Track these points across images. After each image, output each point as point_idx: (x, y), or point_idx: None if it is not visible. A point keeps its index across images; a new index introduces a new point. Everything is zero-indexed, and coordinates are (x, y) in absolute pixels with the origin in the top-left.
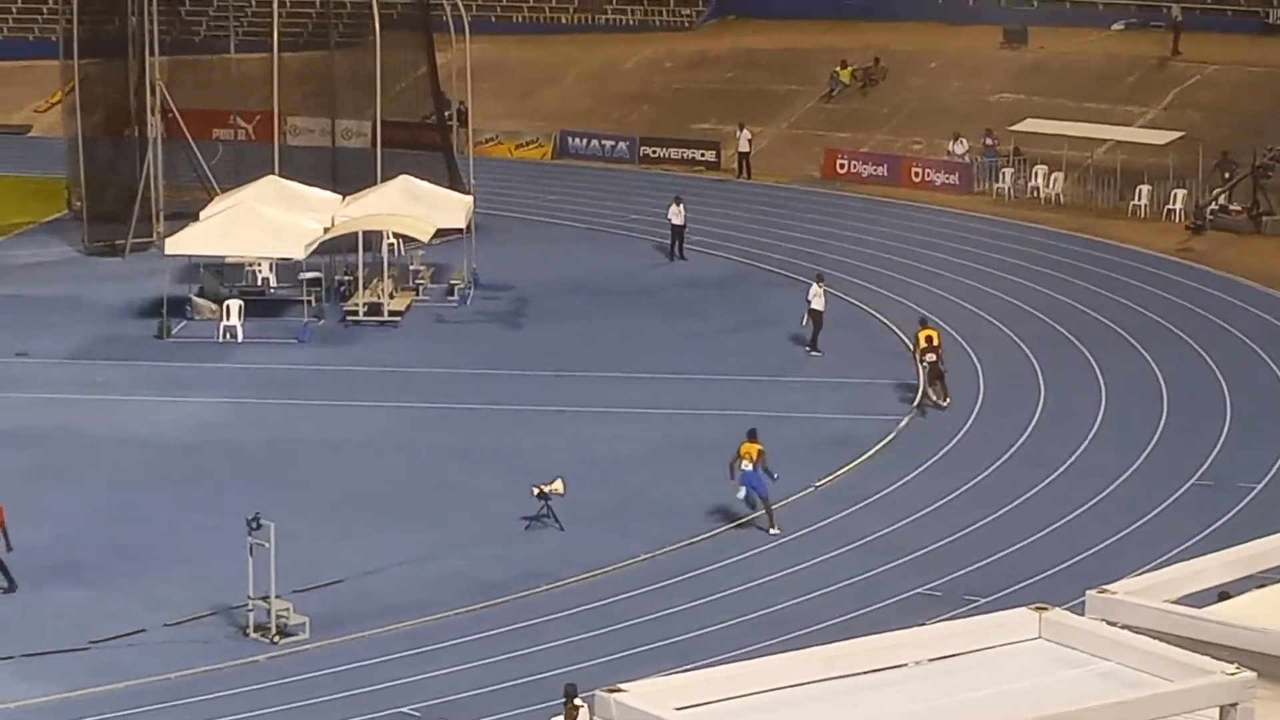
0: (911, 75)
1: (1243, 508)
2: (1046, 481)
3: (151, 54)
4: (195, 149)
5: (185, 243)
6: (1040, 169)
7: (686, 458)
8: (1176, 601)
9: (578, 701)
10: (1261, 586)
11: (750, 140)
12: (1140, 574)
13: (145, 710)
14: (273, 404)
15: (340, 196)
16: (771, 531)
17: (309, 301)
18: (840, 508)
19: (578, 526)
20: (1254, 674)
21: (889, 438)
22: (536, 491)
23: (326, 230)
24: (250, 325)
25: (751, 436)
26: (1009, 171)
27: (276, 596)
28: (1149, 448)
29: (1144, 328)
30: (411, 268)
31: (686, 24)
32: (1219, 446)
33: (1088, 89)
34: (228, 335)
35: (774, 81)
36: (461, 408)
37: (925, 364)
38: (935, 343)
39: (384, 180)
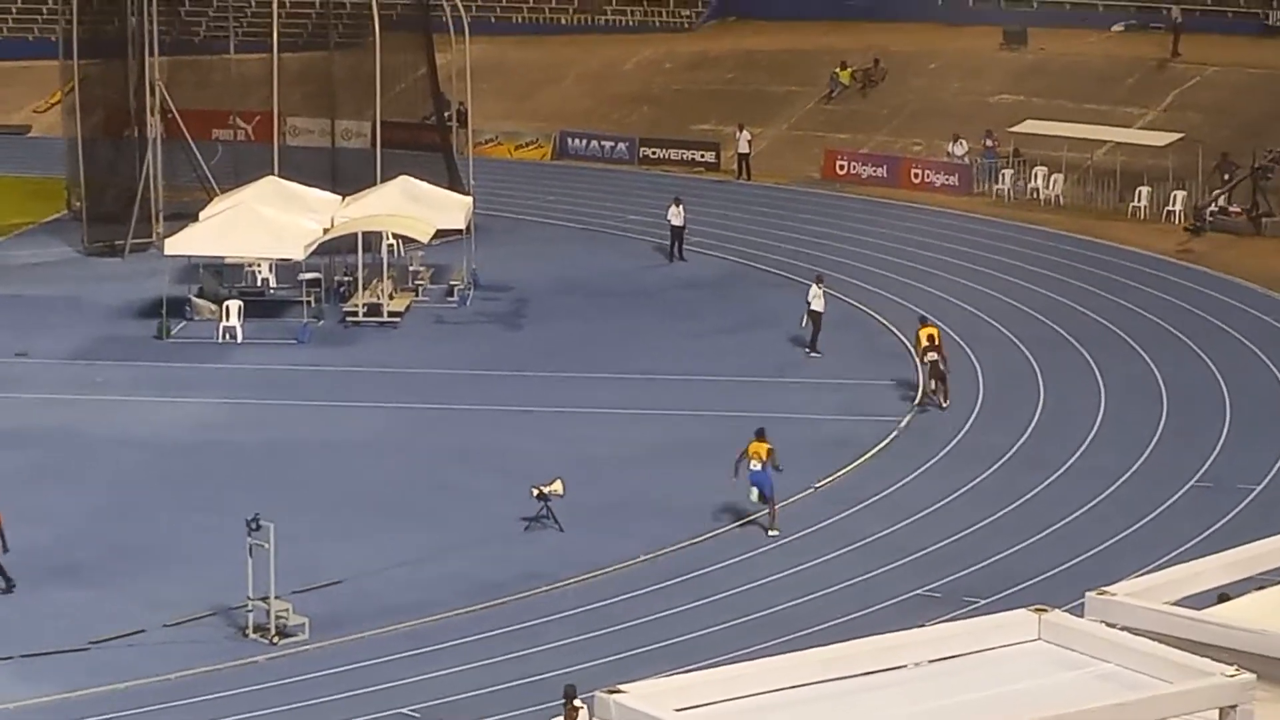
0: (911, 76)
1: (1242, 509)
2: (1046, 483)
3: (151, 54)
4: (195, 149)
5: (185, 243)
6: (1040, 170)
7: (686, 459)
8: (1176, 603)
9: (577, 703)
10: (1261, 588)
11: (750, 141)
12: (1140, 576)
13: (145, 711)
14: (272, 404)
15: (340, 197)
16: (771, 532)
17: (308, 302)
18: (840, 509)
19: (577, 527)
20: (1253, 676)
21: (888, 439)
22: (536, 492)
23: (326, 231)
24: (250, 326)
25: (760, 435)
26: (1009, 173)
27: (276, 597)
28: (1148, 449)
29: (1144, 329)
30: (411, 268)
31: (686, 25)
32: (1218, 448)
33: (1087, 90)
34: (227, 336)
35: (774, 82)
36: (461, 408)
37: (927, 363)
38: (936, 341)
39: (383, 181)
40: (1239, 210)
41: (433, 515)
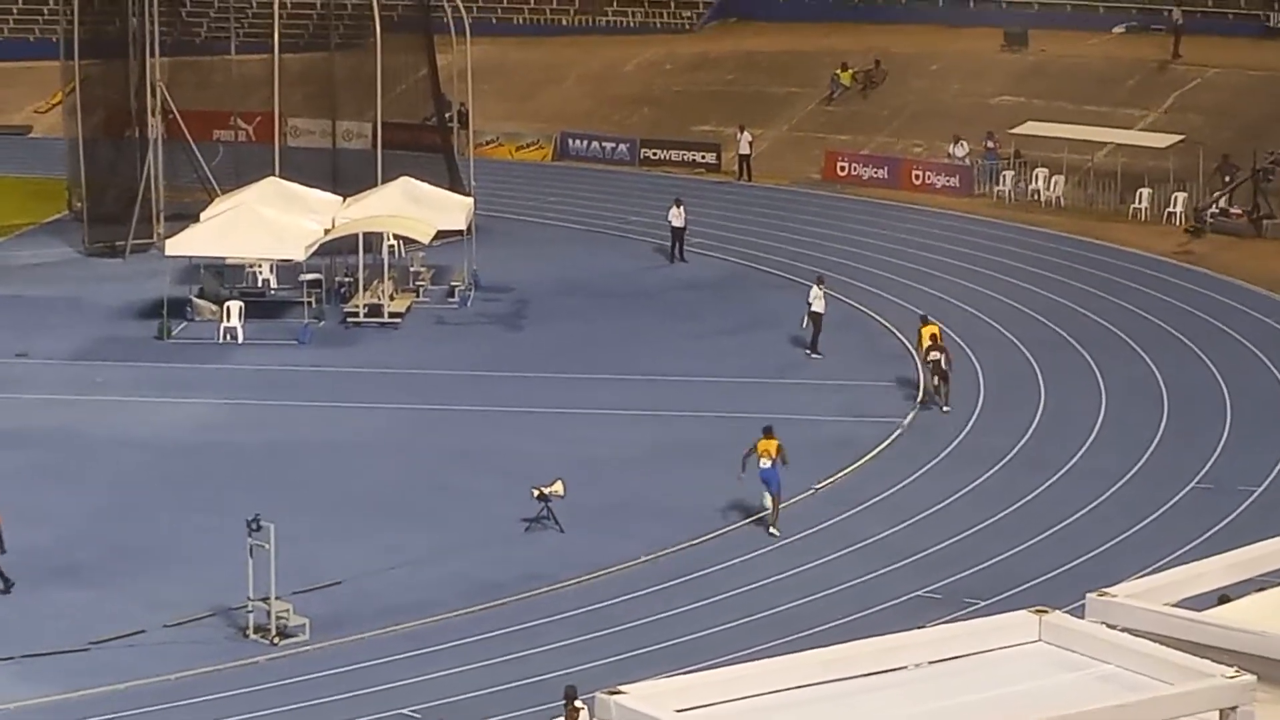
0: (912, 78)
1: (1243, 511)
2: (1047, 484)
3: (152, 55)
4: (196, 150)
5: (185, 244)
6: (1041, 172)
7: (686, 460)
8: (1177, 605)
9: (578, 704)
10: (1262, 590)
11: (751, 142)
12: (1140, 577)
13: (145, 711)
14: (273, 405)
15: (341, 198)
16: (772, 530)
17: (309, 303)
18: (840, 510)
19: (577, 528)
20: (1254, 677)
21: (889, 440)
22: (536, 493)
23: (327, 232)
24: (250, 326)
25: (768, 433)
26: (1009, 174)
27: (276, 598)
28: (1149, 451)
29: (1144, 331)
30: (412, 269)
31: (687, 26)
32: (1219, 449)
33: (1088, 92)
34: (228, 336)
35: (774, 84)
36: (462, 409)
37: (930, 361)
38: (939, 340)
39: (384, 182)
40: (1240, 212)
41: (433, 516)
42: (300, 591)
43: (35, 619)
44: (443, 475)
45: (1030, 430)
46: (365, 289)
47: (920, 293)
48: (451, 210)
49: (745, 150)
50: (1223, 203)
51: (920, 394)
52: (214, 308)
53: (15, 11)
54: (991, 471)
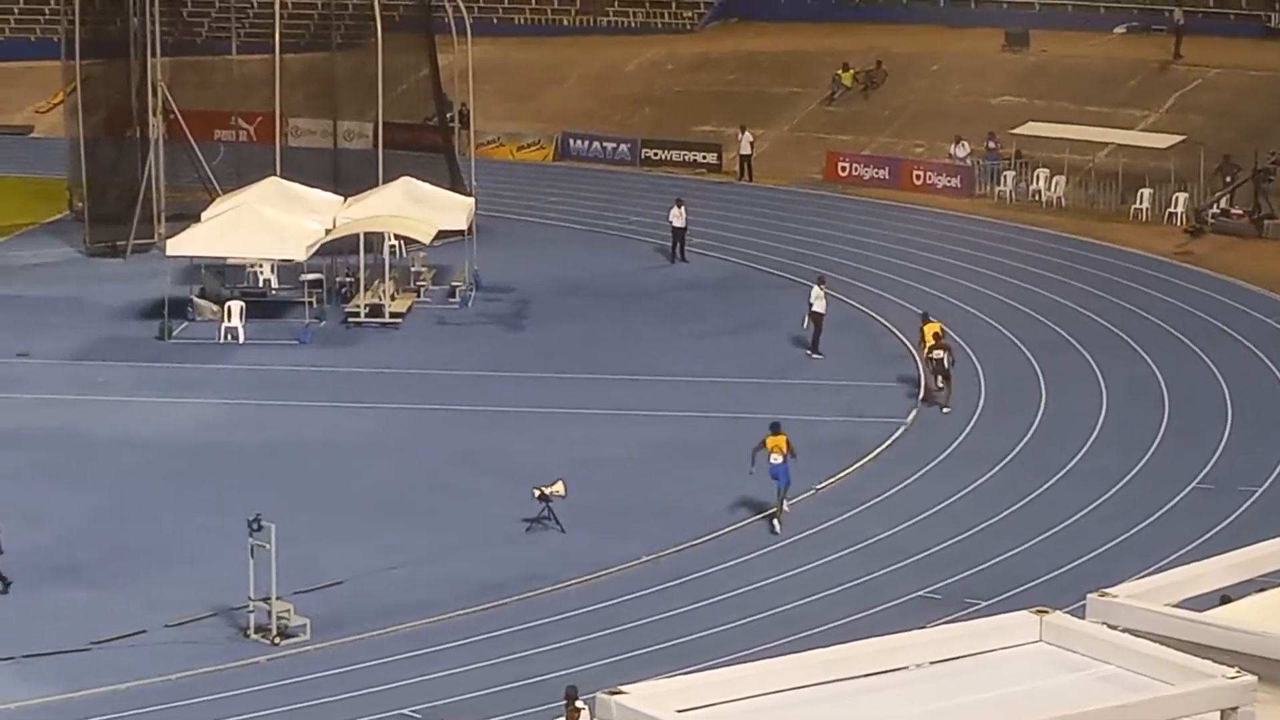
0: (913, 78)
1: (1244, 511)
2: (1048, 485)
3: (153, 55)
4: (197, 150)
5: (187, 244)
6: (1042, 172)
7: (687, 460)
8: (1177, 605)
9: (579, 704)
10: (1262, 590)
11: (752, 143)
12: (1141, 577)
13: (147, 711)
14: (274, 405)
15: (342, 198)
16: (775, 521)
17: (310, 303)
18: (841, 510)
19: (578, 528)
20: (1255, 678)
21: (890, 440)
22: (537, 493)
23: (328, 232)
24: (251, 326)
25: (776, 429)
26: (1010, 174)
27: (277, 598)
28: (1150, 451)
29: (1145, 331)
30: (413, 269)
31: (688, 26)
32: (1220, 450)
33: (1089, 92)
34: (229, 336)
35: (776, 84)
36: (462, 409)
37: (934, 359)
38: (941, 339)
39: (385, 182)
40: (1241, 212)
41: (434, 516)
42: (301, 592)
43: (36, 619)
44: (444, 475)
45: (1031, 431)
46: (366, 289)
47: (921, 293)
48: (452, 210)
49: (746, 150)
50: (1224, 203)
51: (921, 392)
52: (215, 308)
53: (16, 12)
54: (992, 472)
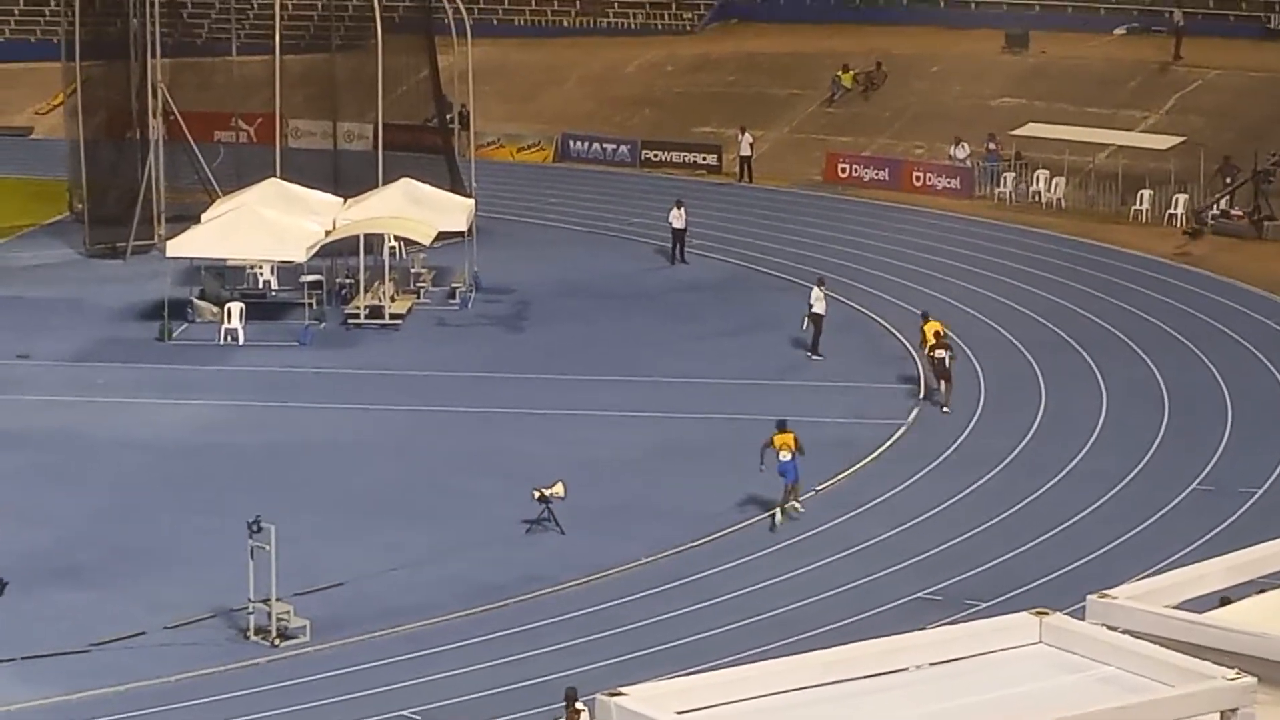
0: (913, 79)
1: (1244, 512)
2: (1047, 486)
3: (153, 56)
4: (197, 151)
5: (186, 245)
6: (1042, 173)
7: (687, 461)
8: (1177, 606)
9: (579, 705)
10: (1262, 592)
11: (752, 144)
12: (1141, 579)
13: (146, 713)
14: (274, 407)
15: (342, 199)
16: (777, 516)
17: (310, 304)
18: (841, 512)
19: (578, 530)
20: (1254, 679)
21: (890, 442)
22: (537, 495)
23: (328, 233)
24: (251, 328)
25: (782, 427)
26: (1010, 176)
27: (277, 599)
28: (1150, 452)
29: (1145, 332)
30: (413, 271)
31: (688, 27)
32: (1220, 451)
33: (1089, 93)
34: (229, 338)
35: (776, 85)
36: (462, 411)
37: (935, 359)
38: (942, 338)
39: (385, 183)
40: (1241, 213)
41: (434, 517)
42: (301, 593)
43: (36, 620)
44: (443, 477)
45: (1031, 432)
46: (366, 290)
47: (921, 294)
48: (452, 212)
49: (746, 152)
50: (1223, 204)
51: (921, 390)
52: (215, 309)
53: (16, 13)
54: (992, 473)
